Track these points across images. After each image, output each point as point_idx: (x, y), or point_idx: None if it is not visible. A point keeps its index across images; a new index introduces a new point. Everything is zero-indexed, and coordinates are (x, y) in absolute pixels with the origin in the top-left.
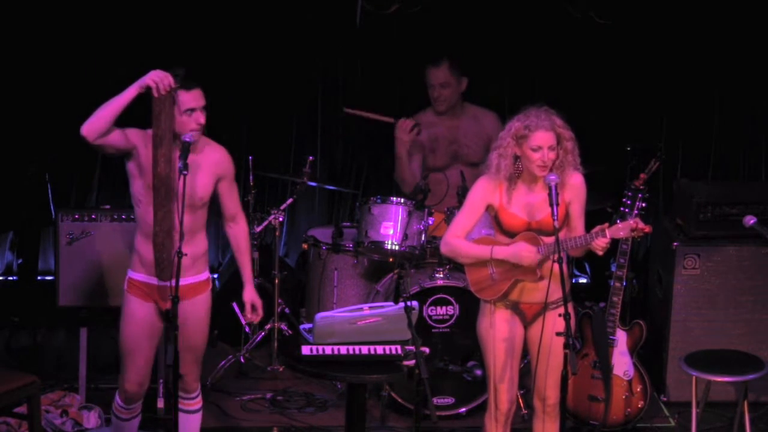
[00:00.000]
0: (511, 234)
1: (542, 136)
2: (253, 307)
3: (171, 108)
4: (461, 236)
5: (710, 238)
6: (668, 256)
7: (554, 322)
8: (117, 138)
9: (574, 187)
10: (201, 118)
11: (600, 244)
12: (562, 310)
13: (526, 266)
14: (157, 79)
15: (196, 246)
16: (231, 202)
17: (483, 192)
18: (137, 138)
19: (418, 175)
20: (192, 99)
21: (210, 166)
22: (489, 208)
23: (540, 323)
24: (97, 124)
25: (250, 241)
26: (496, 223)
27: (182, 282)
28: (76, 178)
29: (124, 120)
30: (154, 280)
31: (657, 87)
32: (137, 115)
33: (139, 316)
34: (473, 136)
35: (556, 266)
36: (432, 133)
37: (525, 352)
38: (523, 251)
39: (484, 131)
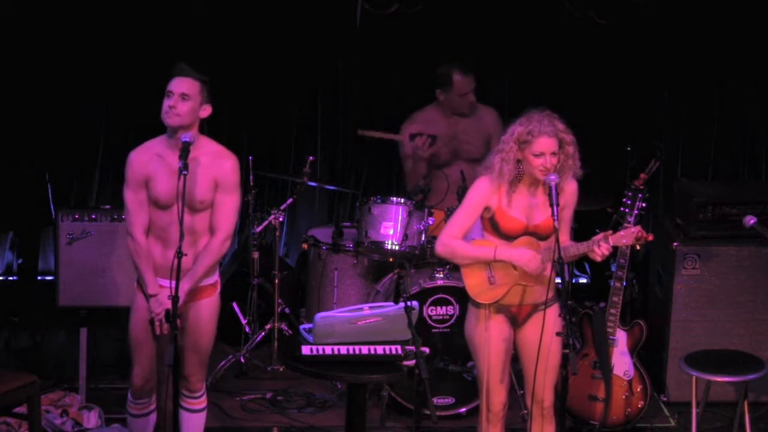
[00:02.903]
0: (508, 237)
1: (545, 142)
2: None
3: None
4: (459, 237)
5: (710, 238)
6: (668, 256)
7: (549, 322)
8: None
9: (570, 193)
10: (172, 102)
11: (602, 252)
12: (553, 309)
13: (530, 273)
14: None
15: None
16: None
17: (483, 193)
18: (145, 187)
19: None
20: (172, 83)
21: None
22: (485, 209)
23: (531, 324)
24: None
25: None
26: (492, 226)
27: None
28: (76, 178)
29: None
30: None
31: (657, 87)
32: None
33: (144, 311)
34: (473, 132)
35: (548, 267)
36: (433, 130)
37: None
38: (531, 258)
39: (484, 128)
